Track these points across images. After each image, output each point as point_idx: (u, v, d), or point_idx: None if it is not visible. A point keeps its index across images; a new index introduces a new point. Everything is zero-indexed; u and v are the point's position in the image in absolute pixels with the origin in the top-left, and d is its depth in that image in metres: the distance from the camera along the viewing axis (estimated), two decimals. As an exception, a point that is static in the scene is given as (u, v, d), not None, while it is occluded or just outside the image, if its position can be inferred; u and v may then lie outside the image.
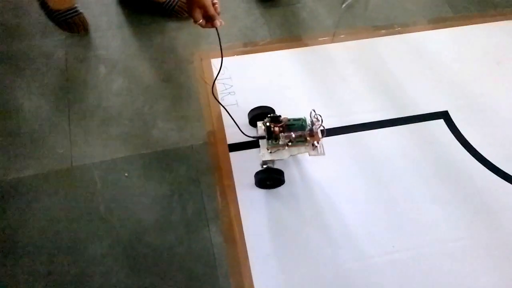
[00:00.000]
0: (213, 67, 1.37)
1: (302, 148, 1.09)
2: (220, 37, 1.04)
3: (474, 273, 1.09)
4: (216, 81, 1.28)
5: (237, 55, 1.41)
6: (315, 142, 1.07)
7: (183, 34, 1.45)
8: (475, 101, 1.37)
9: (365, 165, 1.23)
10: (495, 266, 1.10)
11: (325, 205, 1.16)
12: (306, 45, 1.47)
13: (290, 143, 1.08)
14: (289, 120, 1.12)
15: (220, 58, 1.08)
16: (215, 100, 1.18)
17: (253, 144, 1.23)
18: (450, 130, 1.29)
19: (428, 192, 1.19)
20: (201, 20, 1.02)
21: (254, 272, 1.07)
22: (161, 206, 1.14)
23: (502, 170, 1.23)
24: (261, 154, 1.11)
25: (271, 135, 1.10)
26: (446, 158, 1.25)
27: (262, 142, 1.13)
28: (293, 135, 1.07)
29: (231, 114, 1.16)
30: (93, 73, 1.34)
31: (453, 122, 1.31)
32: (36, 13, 1.45)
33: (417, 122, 1.31)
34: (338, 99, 1.34)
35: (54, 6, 1.38)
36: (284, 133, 1.09)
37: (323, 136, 1.07)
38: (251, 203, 1.15)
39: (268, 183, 1.15)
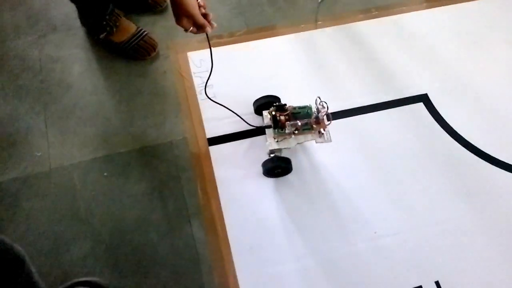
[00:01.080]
0: (189, 60, 1.35)
1: (309, 136, 1.10)
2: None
3: (458, 254, 1.09)
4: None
5: (213, 47, 1.38)
6: (322, 130, 1.07)
7: (158, 27, 1.43)
8: (454, 83, 1.36)
9: (344, 154, 1.22)
10: (477, 248, 1.10)
11: (319, 193, 1.17)
12: (284, 33, 1.44)
13: (296, 132, 1.09)
14: (294, 108, 1.12)
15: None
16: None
17: (233, 136, 1.23)
18: (430, 113, 1.29)
19: (409, 175, 1.19)
20: (191, 28, 0.99)
21: (238, 265, 1.07)
22: (142, 204, 1.13)
23: (483, 152, 1.22)
24: (268, 143, 1.11)
25: (277, 124, 1.10)
26: (426, 141, 1.24)
27: (269, 131, 1.12)
28: (299, 123, 1.08)
29: (230, 108, 1.17)
30: (68, 73, 1.33)
31: (432, 105, 1.30)
32: (7, 14, 1.42)
33: (397, 107, 1.30)
34: (321, 86, 1.33)
35: (118, 39, 1.34)
36: (290, 121, 1.08)
37: (329, 123, 1.07)
38: (233, 197, 1.15)
39: (276, 171, 1.14)
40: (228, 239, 1.09)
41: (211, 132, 1.24)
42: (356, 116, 1.29)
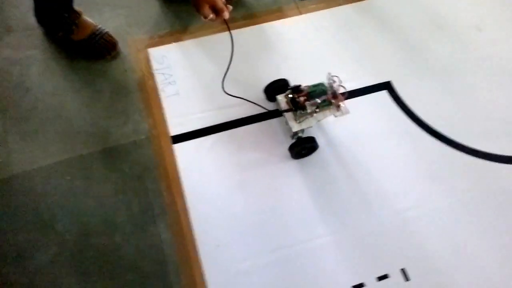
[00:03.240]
0: (151, 57, 1.33)
1: (327, 112, 1.11)
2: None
3: (428, 239, 1.11)
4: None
5: (175, 42, 1.37)
6: (340, 103, 1.09)
7: (116, 24, 1.40)
8: (416, 69, 1.36)
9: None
10: (444, 232, 1.11)
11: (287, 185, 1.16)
12: (250, 24, 1.42)
13: (317, 110, 1.09)
14: (309, 87, 1.12)
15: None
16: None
17: (198, 133, 1.22)
18: (394, 101, 1.29)
19: (375, 164, 1.19)
20: (211, 15, 0.98)
21: (205, 264, 1.07)
22: (106, 207, 1.12)
23: (446, 137, 1.23)
24: (291, 126, 1.12)
25: (297, 106, 1.10)
26: (391, 129, 1.24)
27: (288, 115, 1.13)
28: (319, 101, 1.08)
29: (249, 99, 1.20)
30: (27, 75, 1.29)
31: (395, 92, 1.30)
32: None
33: (361, 95, 1.30)
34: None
35: (77, 37, 1.31)
36: (309, 101, 1.08)
37: (345, 93, 1.09)
38: (199, 194, 1.15)
39: (303, 152, 1.17)
40: (194, 238, 1.09)
41: (175, 130, 1.23)
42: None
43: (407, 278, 1.06)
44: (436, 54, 1.39)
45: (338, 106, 1.10)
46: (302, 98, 1.09)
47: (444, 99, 1.30)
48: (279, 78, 1.23)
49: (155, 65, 1.32)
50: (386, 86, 1.31)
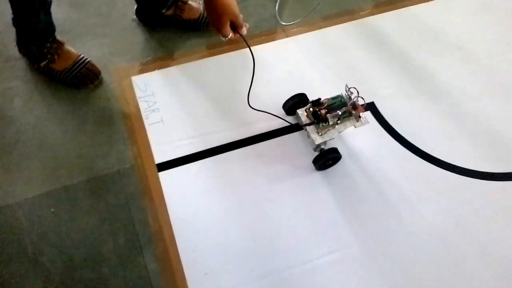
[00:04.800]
0: (134, 85, 1.33)
1: (348, 123, 1.15)
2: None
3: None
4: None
5: (158, 69, 1.37)
6: (360, 114, 1.13)
7: (99, 52, 1.40)
8: (400, 89, 1.37)
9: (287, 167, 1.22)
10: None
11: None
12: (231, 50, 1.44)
13: (339, 122, 1.13)
14: (329, 100, 1.15)
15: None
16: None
17: (183, 160, 1.21)
18: (378, 121, 1.30)
19: (360, 185, 1.20)
20: (231, 34, 1.00)
21: (193, 293, 1.05)
22: (92, 239, 1.11)
23: (429, 155, 1.24)
24: (314, 138, 1.14)
25: (319, 119, 1.13)
26: (375, 149, 1.26)
27: (310, 128, 1.16)
28: (340, 113, 1.12)
29: (276, 115, 1.23)
30: (9, 107, 1.29)
31: (379, 112, 1.31)
32: None
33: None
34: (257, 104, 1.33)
35: (59, 67, 1.31)
36: (330, 113, 1.12)
37: (364, 104, 1.13)
38: (186, 222, 1.14)
39: (328, 163, 1.19)
40: (182, 267, 1.08)
41: (160, 158, 1.22)
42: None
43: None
44: (422, 74, 1.41)
45: (359, 117, 1.13)
46: (323, 111, 1.12)
47: (429, 118, 1.32)
48: (295, 93, 1.25)
49: (138, 92, 1.32)
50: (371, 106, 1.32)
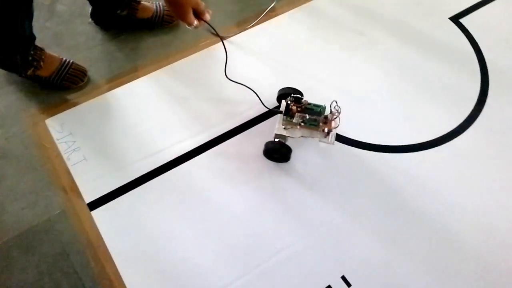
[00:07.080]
0: (49, 127, 1.30)
1: (315, 133, 1.18)
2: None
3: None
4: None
5: (70, 108, 1.35)
6: (327, 129, 1.15)
7: (7, 103, 1.35)
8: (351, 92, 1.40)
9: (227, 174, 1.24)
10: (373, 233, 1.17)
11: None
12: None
13: (302, 123, 1.17)
14: (309, 104, 1.20)
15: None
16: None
17: (113, 194, 1.20)
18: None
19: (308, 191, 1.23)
20: (196, 22, 1.02)
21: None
22: (33, 295, 1.07)
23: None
24: (276, 128, 1.18)
25: (288, 112, 1.18)
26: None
27: (279, 118, 1.20)
28: (307, 116, 1.17)
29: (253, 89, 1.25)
30: None
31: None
32: None
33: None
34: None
35: (46, 73, 1.32)
36: (300, 113, 1.18)
37: (336, 126, 1.16)
38: (129, 255, 1.13)
39: (275, 155, 1.21)
40: (133, 301, 1.07)
41: (90, 196, 1.20)
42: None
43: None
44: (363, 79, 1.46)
45: (327, 133, 1.16)
46: (295, 107, 1.18)
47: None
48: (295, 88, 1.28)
49: (55, 135, 1.29)
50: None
